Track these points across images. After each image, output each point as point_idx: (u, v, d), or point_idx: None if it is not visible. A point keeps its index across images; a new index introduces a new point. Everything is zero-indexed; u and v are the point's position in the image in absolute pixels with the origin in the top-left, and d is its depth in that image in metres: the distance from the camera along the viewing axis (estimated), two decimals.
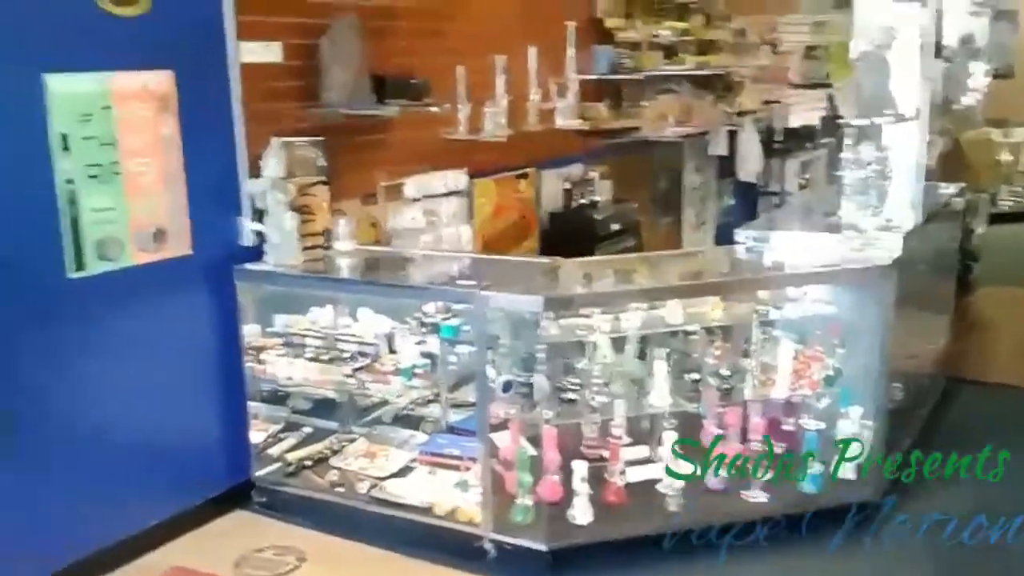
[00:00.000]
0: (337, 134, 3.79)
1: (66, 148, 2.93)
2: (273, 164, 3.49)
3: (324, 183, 3.67)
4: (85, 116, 2.98)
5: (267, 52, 3.61)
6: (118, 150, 3.08)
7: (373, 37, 3.95)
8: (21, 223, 2.83)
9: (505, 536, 3.15)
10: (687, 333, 3.40)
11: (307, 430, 3.98)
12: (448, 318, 3.41)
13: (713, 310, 3.25)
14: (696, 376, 3.36)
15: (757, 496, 3.32)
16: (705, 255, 3.81)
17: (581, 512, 3.18)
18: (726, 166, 7.32)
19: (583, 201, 5.64)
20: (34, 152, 2.86)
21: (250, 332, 3.67)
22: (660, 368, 3.30)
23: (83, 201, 2.99)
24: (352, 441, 3.86)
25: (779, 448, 3.42)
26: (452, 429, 3.79)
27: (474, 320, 3.15)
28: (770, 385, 3.42)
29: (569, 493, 3.21)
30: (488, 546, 3.17)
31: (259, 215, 3.56)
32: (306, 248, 3.61)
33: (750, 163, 7.23)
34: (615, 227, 5.58)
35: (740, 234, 3.60)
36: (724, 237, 7.43)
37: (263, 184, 3.50)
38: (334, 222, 3.73)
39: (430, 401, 3.89)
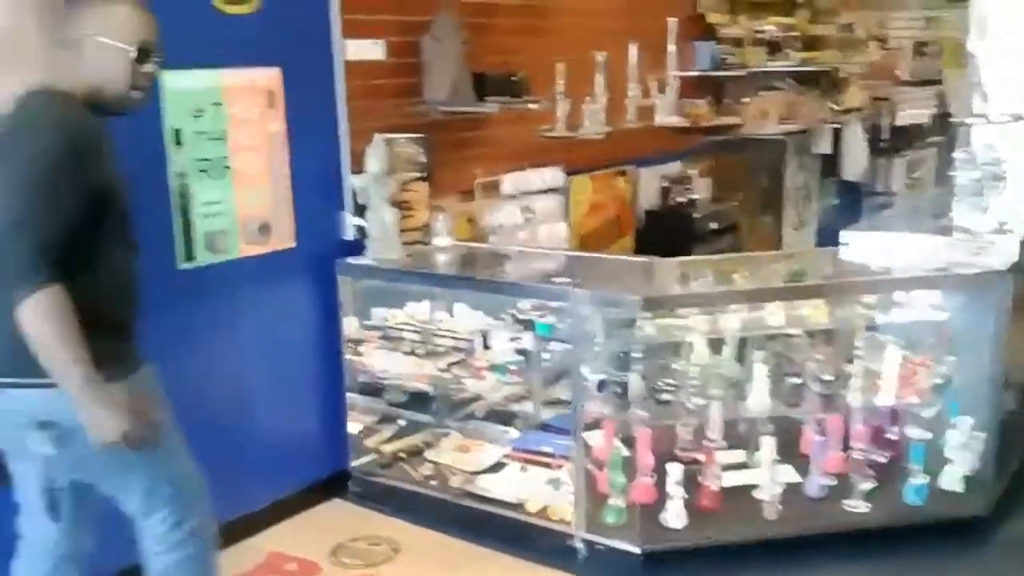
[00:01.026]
0: (437, 131, 3.83)
1: (179, 143, 3.03)
2: (375, 160, 3.54)
3: (424, 179, 3.71)
4: (197, 112, 3.08)
5: (371, 50, 3.67)
6: (227, 145, 3.18)
7: (473, 34, 3.98)
8: (136, 215, 2.93)
9: (597, 536, 3.13)
10: (788, 336, 3.32)
11: (402, 423, 4.04)
12: (543, 315, 3.41)
13: (816, 313, 3.17)
14: (797, 380, 3.27)
15: (858, 506, 3.21)
16: (808, 256, 3.71)
17: (675, 515, 3.13)
18: (830, 165, 7.12)
19: (681, 199, 5.56)
20: (150, 146, 2.96)
21: (349, 325, 3.75)
22: (759, 371, 3.23)
23: (194, 194, 3.09)
24: (446, 435, 3.90)
25: (883, 457, 3.32)
26: (545, 426, 3.80)
27: (569, 318, 3.14)
28: (875, 392, 3.31)
29: (663, 496, 3.17)
30: (579, 545, 3.16)
31: (361, 210, 3.62)
32: (405, 243, 3.65)
33: (855, 162, 7.02)
34: (713, 226, 5.49)
35: (845, 235, 3.49)
36: (827, 238, 7.24)
37: (365, 179, 3.56)
38: (433, 218, 3.78)
39: (523, 398, 3.90)
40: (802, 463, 3.34)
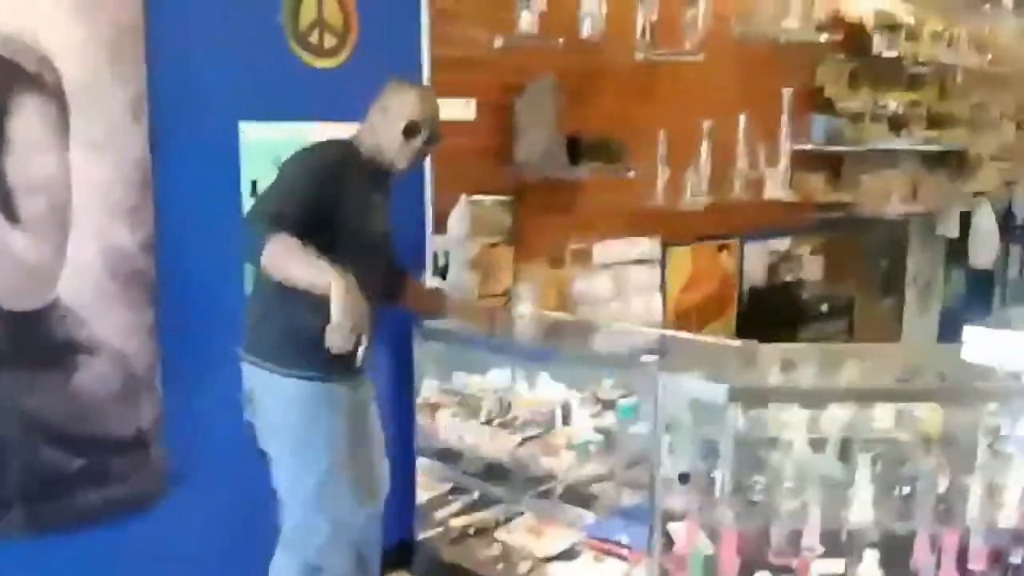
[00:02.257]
0: (527, 194, 3.68)
1: (255, 193, 2.95)
2: (458, 221, 3.40)
3: (510, 244, 3.54)
4: (276, 163, 2.99)
5: (462, 109, 3.55)
6: None
7: (573, 97, 3.82)
8: (209, 261, 2.86)
9: None
10: (898, 440, 2.96)
11: (474, 496, 3.83)
12: (626, 395, 3.16)
13: (931, 417, 2.81)
14: (907, 490, 2.90)
15: None
16: (926, 351, 3.34)
17: None
18: (957, 250, 6.66)
19: (789, 278, 5.23)
20: (225, 197, 2.89)
21: (427, 387, 3.58)
22: (863, 475, 2.88)
23: None
24: (519, 514, 3.66)
25: None
26: (624, 513, 3.51)
27: (651, 401, 2.88)
28: (997, 509, 2.91)
29: None
30: None
31: (442, 272, 3.47)
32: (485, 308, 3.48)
33: (985, 248, 6.54)
34: (824, 308, 5.13)
35: (969, 332, 3.13)
36: (950, 327, 6.74)
37: (447, 241, 3.42)
38: (516, 284, 3.59)
39: (603, 478, 3.63)
40: None
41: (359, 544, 2.79)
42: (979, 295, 6.80)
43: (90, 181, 2.58)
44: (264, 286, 2.73)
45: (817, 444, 3.00)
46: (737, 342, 3.22)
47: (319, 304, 2.32)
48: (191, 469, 2.82)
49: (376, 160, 2.70)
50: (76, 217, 2.57)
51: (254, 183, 2.94)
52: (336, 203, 2.51)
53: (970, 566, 2.92)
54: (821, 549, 3.05)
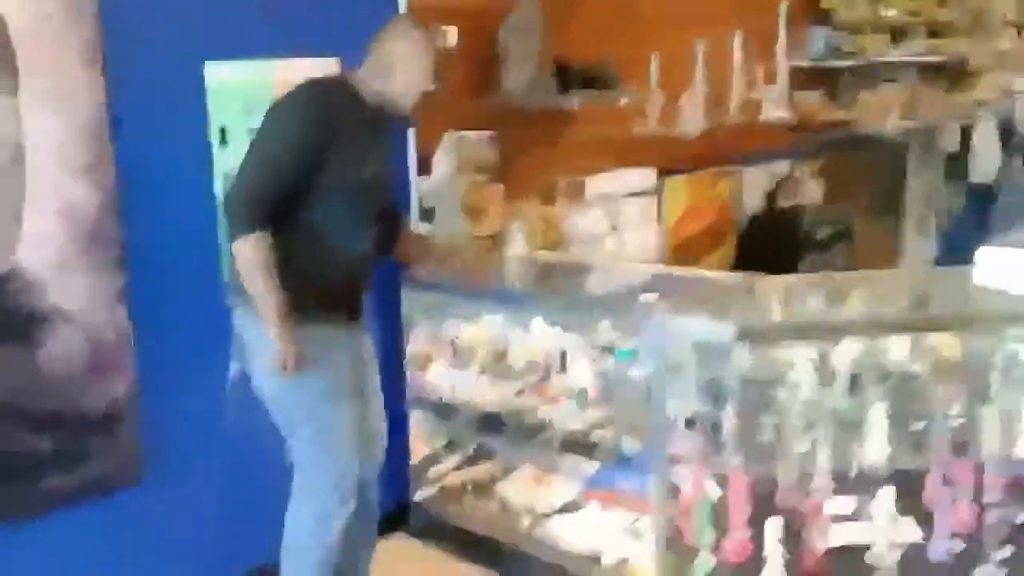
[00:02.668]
0: (514, 127, 3.48)
1: (224, 142, 2.76)
2: (444, 161, 3.22)
3: (497, 181, 3.36)
4: (246, 108, 2.80)
5: (441, 37, 3.32)
6: None
7: (558, 21, 3.60)
8: (178, 221, 2.68)
9: None
10: (911, 372, 2.84)
11: (471, 449, 3.72)
12: (625, 338, 3.02)
13: (946, 346, 2.68)
14: (921, 424, 2.79)
15: (994, 574, 2.71)
16: (936, 277, 3.19)
17: None
18: (957, 166, 6.47)
19: (789, 203, 5.05)
20: (192, 146, 2.70)
21: (417, 338, 3.44)
22: (878, 412, 2.76)
23: None
24: (517, 466, 3.55)
25: (1021, 517, 2.80)
26: (627, 460, 3.40)
27: (654, 344, 2.74)
28: (1014, 439, 2.80)
29: (759, 554, 2.73)
30: None
31: (428, 215, 3.30)
32: (476, 252, 3.32)
33: (986, 162, 6.33)
34: (825, 234, 4.97)
35: (981, 254, 2.98)
36: (953, 246, 6.59)
37: (433, 183, 3.24)
38: (507, 225, 3.42)
39: (604, 426, 3.53)
40: (925, 522, 2.86)
41: (358, 502, 2.70)
42: (979, 212, 6.63)
43: (43, 136, 2.40)
44: None
45: (827, 380, 2.88)
46: (739, 276, 3.06)
47: (310, 244, 2.40)
48: (169, 448, 2.67)
49: (378, 104, 2.54)
50: (30, 176, 2.38)
51: (223, 130, 2.76)
52: (326, 152, 2.40)
53: (985, 499, 2.83)
54: (833, 489, 2.96)
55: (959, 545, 2.77)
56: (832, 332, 2.66)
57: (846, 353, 2.72)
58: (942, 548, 2.78)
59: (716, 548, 2.75)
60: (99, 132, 2.47)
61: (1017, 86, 6.68)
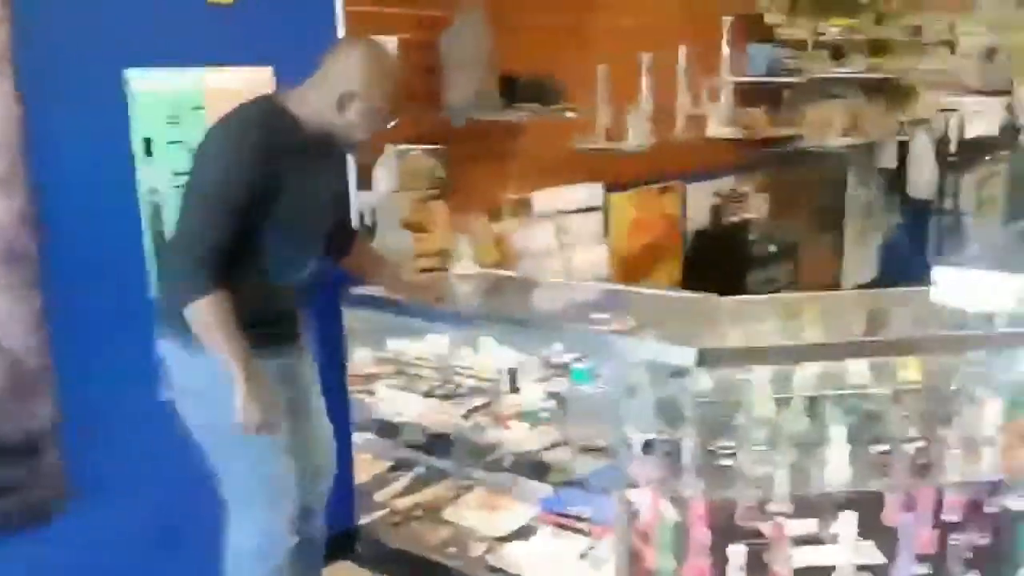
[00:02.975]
0: (459, 142, 3.34)
1: (149, 154, 2.57)
2: (385, 176, 3.07)
3: (442, 197, 3.22)
4: (172, 118, 2.61)
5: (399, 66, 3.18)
6: None
7: (502, 32, 3.48)
8: (99, 238, 2.48)
9: None
10: (867, 394, 2.77)
11: (419, 470, 3.55)
12: (580, 358, 2.91)
13: (908, 369, 2.61)
14: (884, 447, 2.72)
15: None
16: (892, 298, 3.13)
17: None
18: (895, 180, 6.54)
19: (734, 219, 5.01)
20: (114, 158, 2.50)
21: (360, 358, 3.29)
22: (838, 435, 2.68)
23: (169, 212, 2.61)
24: (468, 489, 3.40)
25: (983, 539, 2.75)
26: (581, 483, 3.28)
27: (611, 368, 2.63)
28: (975, 462, 2.74)
29: None
30: None
31: (370, 231, 3.14)
32: (421, 270, 3.17)
33: (923, 177, 6.42)
34: (771, 249, 4.94)
35: (939, 272, 2.93)
36: (891, 259, 6.66)
37: (373, 197, 3.08)
38: (453, 241, 3.28)
39: (558, 448, 3.41)
40: (887, 545, 2.78)
41: (302, 531, 2.55)
42: (917, 225, 6.72)
43: None
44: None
45: (787, 403, 2.79)
46: (696, 295, 2.96)
47: (243, 276, 2.21)
48: (94, 477, 2.46)
49: (323, 132, 2.30)
50: None
51: (148, 141, 2.56)
52: (270, 186, 2.19)
53: (944, 517, 2.77)
54: (794, 512, 2.87)
55: (923, 569, 2.71)
56: (792, 355, 2.57)
57: (805, 376, 2.63)
58: (906, 572, 2.71)
59: (678, 573, 2.64)
60: (10, 141, 2.26)
61: (950, 104, 6.80)
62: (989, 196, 7.01)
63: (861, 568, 2.66)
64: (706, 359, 2.39)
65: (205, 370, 2.26)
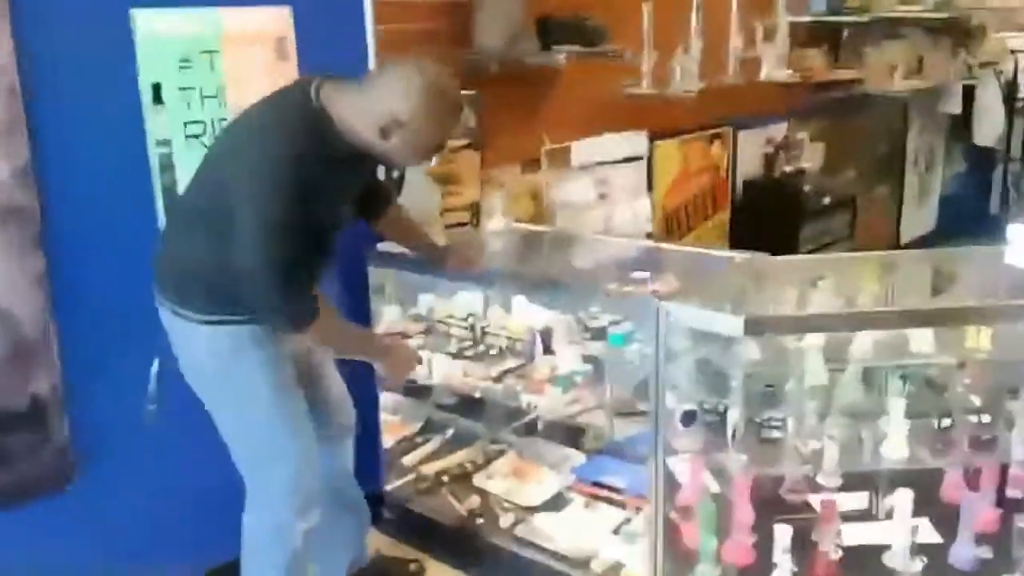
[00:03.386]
0: (491, 87, 3.13)
1: (159, 101, 2.41)
2: None
3: (473, 147, 3.03)
4: (184, 62, 2.45)
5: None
6: (225, 106, 2.54)
7: None
8: (105, 193, 2.33)
9: None
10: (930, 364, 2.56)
11: (448, 434, 3.43)
12: (618, 321, 2.72)
13: (978, 338, 2.39)
14: (946, 422, 2.51)
15: None
16: (959, 256, 2.87)
17: None
18: (959, 127, 6.18)
19: (788, 169, 4.73)
20: (120, 106, 2.35)
21: (389, 314, 3.14)
22: (897, 407, 2.48)
23: (181, 166, 2.46)
24: (500, 454, 3.27)
25: None
26: (618, 450, 3.13)
27: (649, 329, 2.44)
28: None
29: (764, 560, 2.46)
30: None
31: (397, 185, 2.96)
32: (449, 226, 3.00)
33: (991, 124, 6.05)
34: (826, 201, 4.66)
35: (1015, 230, 2.68)
36: (951, 212, 6.33)
37: None
38: (484, 194, 3.09)
39: (591, 410, 3.25)
40: (944, 524, 2.59)
41: (331, 490, 2.46)
42: (983, 175, 6.36)
43: None
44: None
45: (841, 373, 2.59)
46: (746, 255, 2.74)
47: (228, 243, 2.00)
48: (102, 445, 2.36)
49: (360, 145, 2.08)
50: None
51: (157, 87, 2.40)
52: (312, 188, 1.99)
53: (1009, 494, 2.57)
54: (844, 487, 2.68)
55: (984, 550, 2.51)
56: (848, 324, 2.35)
57: (862, 345, 2.43)
58: (966, 553, 2.52)
59: (719, 552, 2.48)
60: (8, 88, 2.11)
61: (1022, 46, 6.39)
62: None
63: (917, 548, 2.48)
64: (754, 327, 2.19)
65: (209, 341, 2.16)
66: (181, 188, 2.43)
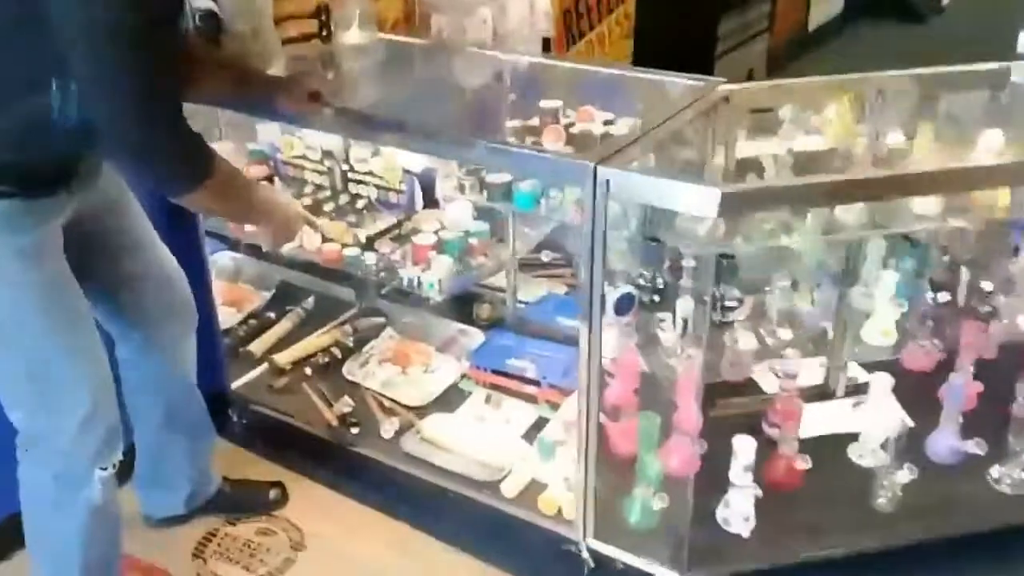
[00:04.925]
0: None
1: None
2: None
3: None
4: None
5: None
6: None
7: None
8: None
9: (612, 547, 1.96)
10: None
11: (309, 302, 2.75)
12: (524, 179, 2.03)
13: (999, 199, 1.83)
14: (945, 296, 2.00)
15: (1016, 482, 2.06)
16: (962, 79, 2.21)
17: (739, 517, 1.95)
18: None
19: None
20: None
21: (221, 151, 2.34)
22: (888, 281, 1.95)
23: None
24: (376, 331, 2.62)
25: None
26: (528, 325, 2.54)
27: (569, 187, 1.81)
28: None
29: (714, 473, 1.96)
30: (585, 556, 1.99)
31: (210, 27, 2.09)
32: (288, 40, 2.18)
33: None
34: None
35: None
36: None
37: None
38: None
39: (495, 287, 2.65)
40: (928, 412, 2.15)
41: (162, 411, 1.97)
42: None
43: None
44: None
45: (825, 245, 2.02)
46: (692, 81, 2.04)
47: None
48: None
49: None
50: None
51: None
52: None
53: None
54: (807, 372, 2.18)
55: (972, 444, 2.09)
56: (853, 195, 1.73)
57: (846, 213, 1.83)
58: (949, 444, 2.11)
59: (660, 457, 1.95)
60: None
61: None
62: None
63: (889, 438, 2.03)
64: (732, 205, 1.55)
65: None
66: None
